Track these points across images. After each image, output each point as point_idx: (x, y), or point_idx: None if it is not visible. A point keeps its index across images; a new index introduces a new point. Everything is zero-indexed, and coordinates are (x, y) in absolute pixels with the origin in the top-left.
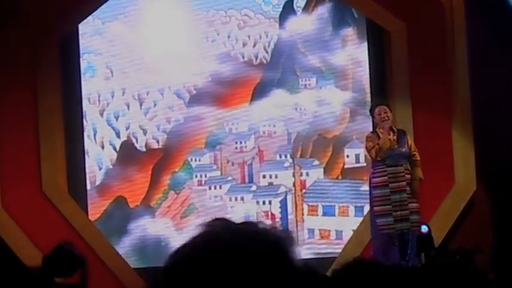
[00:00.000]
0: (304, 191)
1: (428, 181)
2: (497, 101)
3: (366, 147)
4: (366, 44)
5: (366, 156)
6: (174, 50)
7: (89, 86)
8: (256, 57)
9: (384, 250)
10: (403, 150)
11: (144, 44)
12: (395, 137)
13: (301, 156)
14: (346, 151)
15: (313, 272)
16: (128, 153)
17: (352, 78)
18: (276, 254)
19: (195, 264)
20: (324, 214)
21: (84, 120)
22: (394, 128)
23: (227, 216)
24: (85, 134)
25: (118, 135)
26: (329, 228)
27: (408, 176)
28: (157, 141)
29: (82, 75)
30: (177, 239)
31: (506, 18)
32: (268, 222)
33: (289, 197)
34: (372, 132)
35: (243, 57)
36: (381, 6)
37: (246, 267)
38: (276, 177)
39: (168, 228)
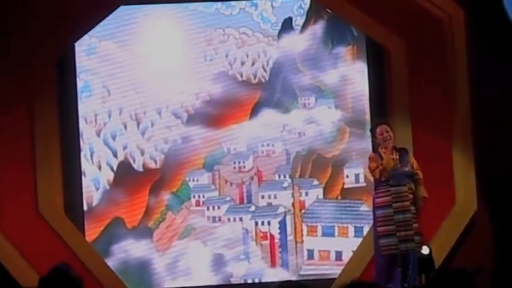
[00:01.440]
0: (303, 211)
1: (428, 201)
2: (498, 120)
3: (369, 168)
4: (365, 62)
5: (365, 176)
6: (172, 69)
7: (86, 106)
8: (255, 76)
9: (387, 271)
10: (406, 169)
11: (141, 63)
12: (397, 156)
13: (300, 176)
14: (346, 171)
15: None
16: (125, 174)
17: (352, 97)
18: None
19: None
20: (324, 235)
21: (80, 140)
22: (396, 147)
23: (224, 237)
24: (82, 154)
25: (115, 155)
26: (329, 249)
27: (412, 196)
28: (155, 162)
29: (78, 95)
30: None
31: (507, 35)
32: (267, 242)
33: (289, 218)
34: (374, 152)
35: (241, 76)
36: (380, 24)
37: None
38: (275, 197)
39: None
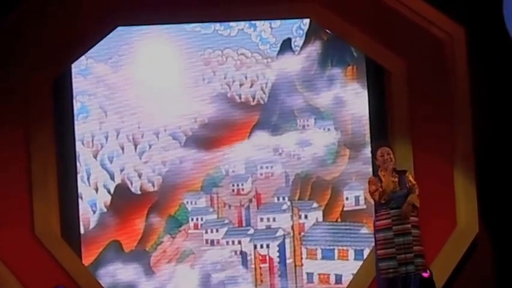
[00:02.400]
0: (302, 234)
1: (429, 223)
2: (500, 140)
3: (369, 191)
4: (365, 83)
5: (366, 198)
6: (169, 90)
7: (83, 128)
8: (254, 98)
9: None
10: (406, 191)
11: (138, 85)
12: (397, 179)
13: (299, 198)
14: (346, 193)
15: None
16: (122, 196)
17: (351, 118)
18: None
19: None
20: (323, 258)
21: (77, 163)
22: (396, 169)
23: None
24: (78, 176)
25: (112, 178)
26: (328, 272)
27: (413, 219)
28: (153, 184)
29: (75, 117)
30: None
31: (509, 56)
32: (266, 266)
33: (288, 241)
34: (374, 176)
35: (240, 97)
36: (380, 45)
37: None
38: (274, 220)
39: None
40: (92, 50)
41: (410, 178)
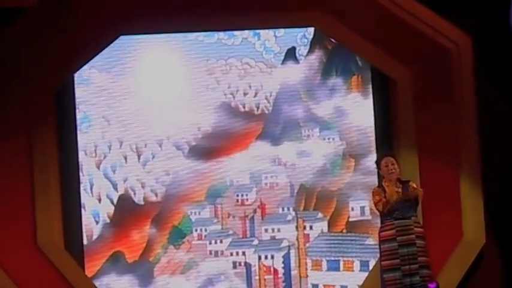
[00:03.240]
0: (307, 245)
1: (435, 234)
2: (507, 151)
3: (373, 202)
4: (370, 92)
5: (371, 209)
6: (173, 100)
7: (85, 138)
8: (258, 107)
9: None
10: (409, 204)
11: (141, 94)
12: (401, 189)
13: (304, 209)
14: (351, 204)
15: None
16: (125, 207)
17: (357, 128)
18: None
19: None
20: (329, 269)
21: (80, 173)
22: (400, 180)
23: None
24: (81, 187)
25: (115, 188)
26: (334, 284)
27: (417, 229)
28: (156, 194)
29: (78, 126)
30: None
31: None
32: (271, 277)
33: (293, 252)
34: (378, 186)
35: (244, 107)
36: (386, 54)
37: None
38: (279, 230)
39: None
40: (94, 60)
41: (413, 185)
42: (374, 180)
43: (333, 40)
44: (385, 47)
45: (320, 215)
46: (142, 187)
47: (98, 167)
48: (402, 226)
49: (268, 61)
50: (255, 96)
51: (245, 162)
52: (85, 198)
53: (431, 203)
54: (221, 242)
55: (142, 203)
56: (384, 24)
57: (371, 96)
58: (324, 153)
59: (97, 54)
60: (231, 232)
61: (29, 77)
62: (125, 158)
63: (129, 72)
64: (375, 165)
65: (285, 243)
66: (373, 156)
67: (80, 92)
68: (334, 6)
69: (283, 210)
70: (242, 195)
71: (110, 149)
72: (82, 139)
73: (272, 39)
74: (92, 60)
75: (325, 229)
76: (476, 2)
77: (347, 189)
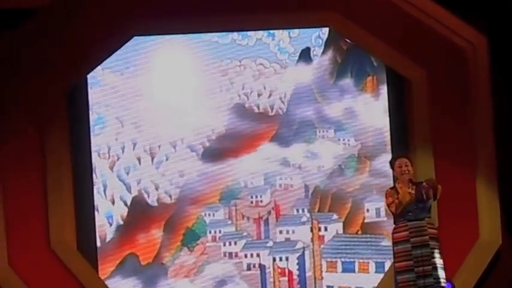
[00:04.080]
0: (322, 246)
1: (451, 235)
2: None
3: (386, 203)
4: (385, 93)
5: (386, 210)
6: (187, 101)
7: (99, 139)
8: (272, 108)
9: None
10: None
11: (154, 95)
12: (414, 191)
13: (319, 210)
14: (366, 205)
15: None
16: (139, 209)
17: (372, 129)
18: None
19: None
20: (344, 270)
21: (93, 175)
22: (414, 181)
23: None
24: (95, 188)
25: (129, 190)
26: (349, 285)
27: (431, 231)
28: (170, 196)
29: (91, 128)
30: None
31: None
32: (285, 279)
33: (307, 253)
34: (391, 188)
35: (258, 108)
36: (401, 54)
37: None
38: (293, 232)
39: None
40: (107, 61)
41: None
42: (389, 181)
43: (347, 40)
44: (400, 47)
45: (335, 216)
46: (156, 189)
47: (112, 169)
48: (415, 227)
49: (282, 62)
50: (269, 97)
51: (259, 164)
52: (98, 200)
53: (447, 204)
54: (235, 243)
55: (155, 204)
56: (399, 25)
57: (386, 96)
58: (338, 154)
59: (110, 55)
60: (245, 234)
61: (42, 77)
62: (139, 160)
63: (142, 73)
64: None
65: (299, 245)
66: (388, 157)
67: (93, 94)
68: (349, 6)
69: (297, 211)
70: (256, 197)
71: (123, 151)
72: (95, 141)
73: (286, 40)
74: (105, 62)
75: (340, 230)
76: (492, 2)
77: (362, 190)
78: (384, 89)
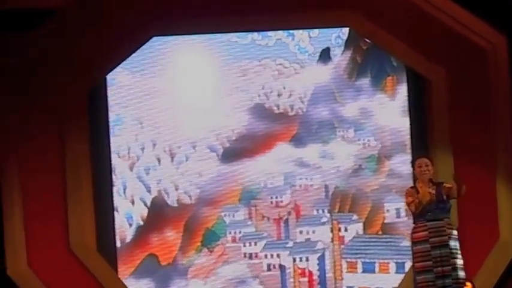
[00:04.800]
0: (343, 247)
1: (471, 236)
2: None
3: (406, 202)
4: (405, 93)
5: (406, 210)
6: (206, 101)
7: (118, 139)
8: (292, 108)
9: None
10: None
11: (174, 95)
12: (434, 190)
13: (339, 210)
14: (386, 205)
15: None
16: (159, 209)
17: (391, 128)
18: None
19: None
20: (364, 271)
21: (113, 175)
22: (434, 181)
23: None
24: (114, 189)
25: (149, 190)
26: (369, 286)
27: (450, 231)
28: (190, 197)
29: (111, 128)
30: None
31: None
32: (305, 280)
33: (328, 254)
34: (411, 187)
35: (278, 108)
36: (421, 54)
37: None
38: (314, 232)
39: None
40: (127, 61)
41: (448, 185)
42: (408, 181)
43: (367, 40)
44: (419, 47)
45: (355, 216)
46: (176, 189)
47: (131, 169)
48: (435, 227)
49: (302, 62)
50: (289, 97)
51: (279, 164)
52: (118, 200)
53: (467, 204)
54: (255, 244)
55: (175, 205)
56: (419, 25)
57: (406, 96)
58: (358, 155)
59: (130, 55)
60: (265, 234)
61: (61, 78)
62: (158, 160)
63: (162, 73)
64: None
65: (319, 245)
66: (408, 158)
67: (112, 94)
68: (369, 6)
69: (317, 212)
70: (276, 197)
71: (143, 151)
72: (115, 141)
73: (306, 40)
74: (124, 62)
75: (361, 231)
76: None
77: (382, 190)
78: (402, 89)
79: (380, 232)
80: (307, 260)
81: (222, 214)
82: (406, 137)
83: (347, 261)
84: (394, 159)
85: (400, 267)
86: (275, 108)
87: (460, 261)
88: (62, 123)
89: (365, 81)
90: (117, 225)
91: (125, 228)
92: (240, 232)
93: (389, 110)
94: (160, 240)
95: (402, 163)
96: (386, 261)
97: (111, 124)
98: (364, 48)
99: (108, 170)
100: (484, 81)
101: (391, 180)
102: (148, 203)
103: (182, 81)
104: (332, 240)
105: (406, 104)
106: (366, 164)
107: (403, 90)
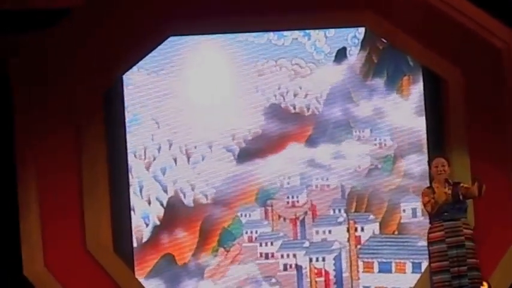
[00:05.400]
0: (359, 247)
1: (487, 235)
2: None
3: (422, 202)
4: (421, 92)
5: (423, 210)
6: (222, 101)
7: (135, 139)
8: (308, 108)
9: None
10: (458, 206)
11: (191, 95)
12: (450, 191)
13: (355, 210)
14: (403, 205)
15: None
16: (175, 209)
17: (408, 128)
18: None
19: None
20: (380, 271)
21: (129, 175)
22: (450, 181)
23: (278, 274)
24: (131, 189)
25: (165, 190)
26: (386, 286)
27: (466, 231)
28: (206, 197)
29: (127, 128)
30: None
31: None
32: (322, 279)
33: (344, 254)
34: (428, 187)
35: (294, 108)
36: (437, 54)
37: None
38: (330, 232)
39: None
40: (143, 61)
41: (465, 185)
42: (424, 181)
43: (383, 40)
44: (436, 47)
45: (371, 216)
46: (192, 189)
47: (148, 169)
48: (451, 227)
49: (318, 62)
50: (305, 97)
51: (295, 164)
52: (135, 200)
53: (483, 204)
54: (272, 244)
55: (192, 205)
56: (435, 24)
57: (422, 96)
58: (375, 154)
59: (146, 55)
60: (281, 234)
61: (78, 77)
62: (175, 160)
63: (178, 73)
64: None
65: (336, 245)
66: (423, 158)
67: (129, 94)
68: (385, 6)
69: (334, 212)
70: (292, 197)
71: (159, 151)
72: (131, 141)
73: (322, 40)
74: (141, 62)
75: (377, 231)
76: None
77: (398, 190)
78: (418, 89)
79: (396, 232)
80: (323, 260)
81: (239, 214)
82: (422, 137)
83: (363, 261)
84: (410, 159)
85: (416, 267)
86: (291, 108)
87: (476, 261)
88: (79, 122)
89: (381, 81)
90: (133, 225)
91: (141, 228)
92: (256, 232)
93: (405, 110)
94: (177, 240)
95: (418, 163)
96: (402, 261)
97: (127, 124)
98: (381, 48)
99: (125, 170)
100: (499, 81)
101: (407, 180)
102: (165, 203)
103: (198, 81)
104: (348, 240)
105: (422, 104)
106: (382, 164)
107: (419, 90)
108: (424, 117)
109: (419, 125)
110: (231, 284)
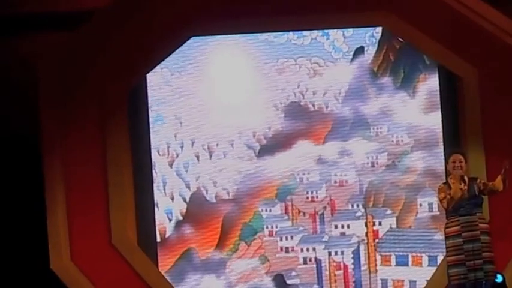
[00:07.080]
0: (377, 240)
1: (501, 229)
2: None
3: (439, 198)
4: (438, 90)
5: (439, 205)
6: (244, 99)
7: (158, 137)
8: (327, 106)
9: None
10: (474, 201)
11: (212, 94)
12: (466, 186)
13: (373, 205)
14: (419, 200)
15: None
16: (198, 205)
17: (425, 125)
18: None
19: None
20: (398, 264)
21: (153, 172)
22: (466, 178)
23: (298, 267)
24: (154, 185)
25: (188, 186)
26: (403, 279)
27: (482, 225)
28: (228, 192)
29: (151, 126)
30: None
31: None
32: (340, 272)
33: (362, 247)
34: (443, 183)
35: (314, 106)
36: (453, 53)
37: None
38: (348, 227)
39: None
40: (166, 60)
41: (482, 182)
42: (440, 177)
43: (400, 39)
44: (452, 46)
45: (389, 211)
46: (214, 185)
47: (171, 166)
48: (467, 222)
49: (336, 60)
50: (324, 95)
51: (314, 160)
52: (158, 196)
53: (497, 199)
54: (292, 238)
55: (214, 200)
56: (451, 24)
57: (438, 94)
58: (392, 151)
59: (169, 55)
60: (301, 228)
61: (103, 77)
62: (197, 157)
63: (200, 72)
64: (443, 162)
65: (354, 239)
66: (440, 154)
67: (152, 92)
68: (402, 5)
69: (352, 206)
70: (312, 192)
71: (182, 148)
72: (155, 138)
73: (341, 39)
74: (164, 61)
75: (394, 225)
76: None
77: (415, 185)
78: (434, 87)
79: (413, 226)
80: (342, 253)
81: (259, 209)
82: (439, 134)
83: (381, 255)
84: (426, 155)
85: (432, 260)
86: (310, 106)
87: (491, 255)
88: (104, 121)
89: (398, 79)
90: (157, 221)
91: (165, 223)
92: (276, 226)
93: (422, 107)
94: (200, 235)
95: (435, 159)
96: (419, 254)
97: (151, 122)
98: (397, 47)
99: (149, 166)
100: None
101: (423, 176)
102: (188, 199)
103: (220, 80)
104: (366, 234)
105: (437, 101)
106: (399, 160)
107: (435, 87)
108: (439, 114)
109: (436, 122)
110: (252, 277)
